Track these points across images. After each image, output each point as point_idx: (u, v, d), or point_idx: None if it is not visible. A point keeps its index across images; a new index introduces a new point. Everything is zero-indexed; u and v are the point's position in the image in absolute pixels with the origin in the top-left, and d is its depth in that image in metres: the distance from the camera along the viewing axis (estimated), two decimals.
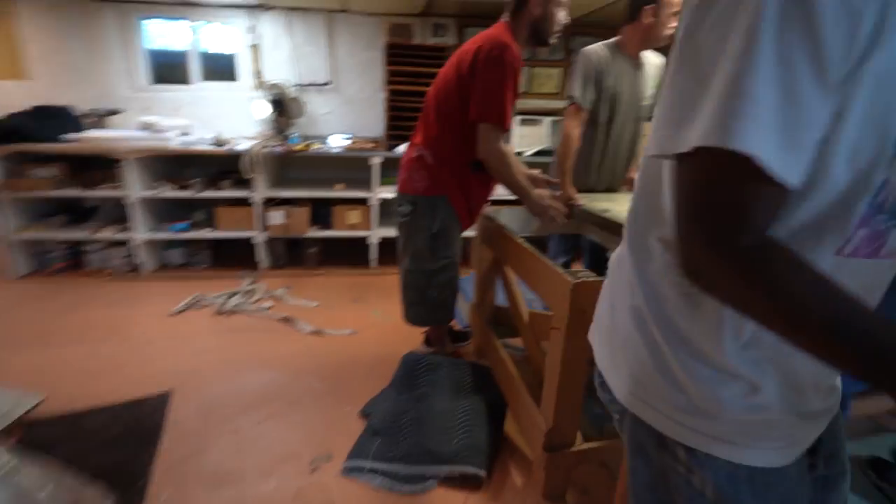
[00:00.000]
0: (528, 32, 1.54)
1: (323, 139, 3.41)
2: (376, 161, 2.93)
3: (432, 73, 3.09)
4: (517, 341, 2.00)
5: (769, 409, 0.50)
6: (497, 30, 1.50)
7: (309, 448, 1.53)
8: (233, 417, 1.67)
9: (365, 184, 3.24)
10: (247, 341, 2.22)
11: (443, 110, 1.56)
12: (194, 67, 3.38)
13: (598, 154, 2.01)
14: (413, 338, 2.21)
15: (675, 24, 1.82)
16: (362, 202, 3.05)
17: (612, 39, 1.91)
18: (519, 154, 3.28)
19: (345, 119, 3.56)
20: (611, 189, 2.10)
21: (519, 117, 3.49)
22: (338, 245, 3.39)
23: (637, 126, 2.02)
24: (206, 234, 2.99)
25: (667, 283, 0.53)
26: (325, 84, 3.42)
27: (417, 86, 3.03)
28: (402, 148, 3.02)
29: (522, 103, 3.66)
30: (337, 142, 3.28)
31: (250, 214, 2.97)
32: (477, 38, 1.52)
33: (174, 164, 3.14)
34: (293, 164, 3.46)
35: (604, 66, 1.85)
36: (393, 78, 2.99)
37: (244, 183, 2.98)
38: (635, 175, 2.00)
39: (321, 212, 3.16)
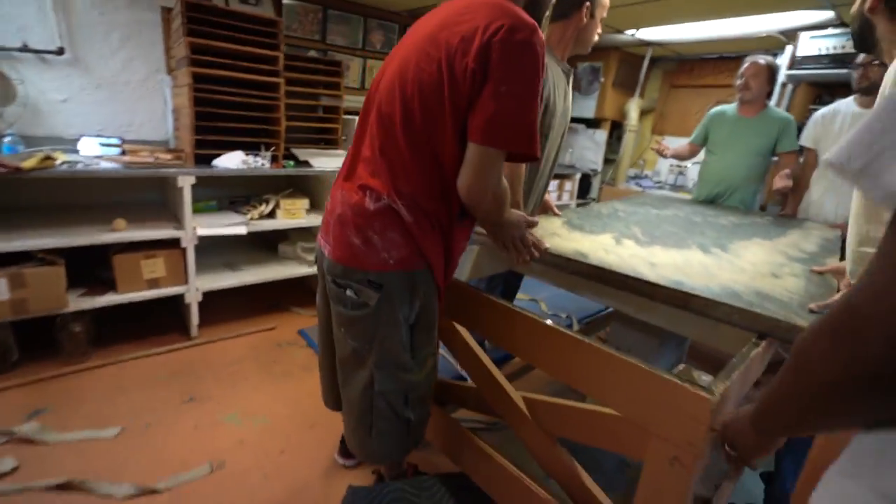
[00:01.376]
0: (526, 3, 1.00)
1: (67, 144, 2.10)
2: (188, 182, 1.92)
3: (253, 54, 2.16)
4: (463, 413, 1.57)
5: None
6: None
7: None
8: None
9: (160, 215, 2.16)
10: None
11: (421, 130, 0.93)
12: None
13: (531, 174, 1.71)
14: (319, 445, 1.51)
15: (600, 29, 1.64)
16: (168, 244, 1.98)
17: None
18: None
19: (99, 112, 2.27)
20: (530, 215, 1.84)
21: (347, 117, 2.87)
22: (124, 310, 2.19)
23: (561, 143, 1.79)
24: None
25: None
26: (55, 52, 2.09)
27: (235, 71, 2.12)
28: (226, 160, 2.08)
29: (354, 101, 3.09)
30: (91, 148, 2.06)
31: None
32: (471, 5, 0.91)
33: None
34: (10, 189, 2.03)
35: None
36: (197, 56, 1.99)
37: None
38: (549, 198, 1.72)
39: (88, 265, 1.95)
